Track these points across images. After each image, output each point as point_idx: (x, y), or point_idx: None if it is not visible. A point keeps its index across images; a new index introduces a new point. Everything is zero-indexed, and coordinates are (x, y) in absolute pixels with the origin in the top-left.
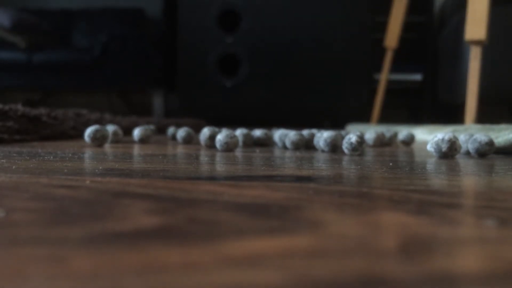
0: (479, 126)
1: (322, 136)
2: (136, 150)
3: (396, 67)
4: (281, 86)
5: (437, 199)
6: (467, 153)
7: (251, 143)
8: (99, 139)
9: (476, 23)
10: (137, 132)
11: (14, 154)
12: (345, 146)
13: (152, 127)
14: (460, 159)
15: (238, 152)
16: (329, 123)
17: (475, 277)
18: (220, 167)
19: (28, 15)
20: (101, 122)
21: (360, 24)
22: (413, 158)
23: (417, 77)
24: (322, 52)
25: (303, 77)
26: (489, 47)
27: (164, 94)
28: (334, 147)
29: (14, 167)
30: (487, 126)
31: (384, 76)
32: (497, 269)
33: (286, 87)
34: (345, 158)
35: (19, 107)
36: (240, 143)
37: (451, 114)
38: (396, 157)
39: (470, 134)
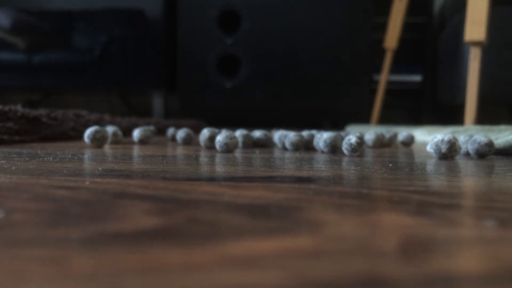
0: (479, 127)
1: (322, 137)
2: (136, 151)
3: (396, 68)
4: (280, 87)
5: (437, 200)
6: (467, 154)
7: (250, 144)
8: (98, 140)
9: (476, 24)
10: (136, 133)
11: (14, 155)
12: (344, 147)
13: (151, 128)
14: (460, 160)
15: (238, 153)
16: (328, 124)
17: (475, 278)
18: (220, 168)
19: (27, 16)
20: (100, 123)
21: (360, 25)
22: (412, 159)
23: (417, 78)
24: (322, 53)
25: (302, 78)
26: (488, 48)
27: (164, 94)
28: (334, 148)
29: (13, 168)
30: (487, 127)
31: (384, 77)
32: (497, 270)
33: (286, 88)
34: (345, 159)
35: (19, 108)
36: (240, 144)
37: (451, 115)
38: (395, 158)
39: (469, 135)
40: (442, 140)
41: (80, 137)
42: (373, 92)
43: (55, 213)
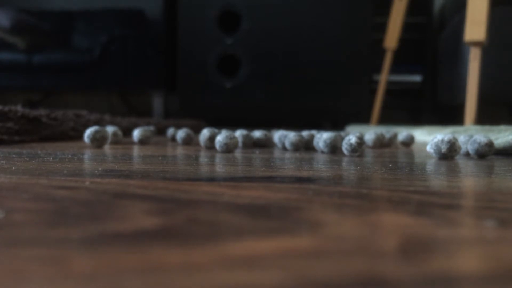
0: (479, 127)
1: (322, 137)
2: (136, 151)
3: (396, 68)
4: (280, 87)
5: (437, 200)
6: (467, 154)
7: (250, 144)
8: (98, 140)
9: (476, 24)
10: (136, 133)
11: (14, 155)
12: (344, 147)
13: (151, 128)
14: (460, 160)
15: (238, 153)
16: (328, 124)
17: (475, 278)
18: (220, 168)
19: (27, 16)
20: (100, 123)
21: (360, 25)
22: (412, 159)
23: (417, 78)
24: (322, 53)
25: (302, 78)
26: (488, 48)
27: (164, 95)
28: (334, 148)
29: (13, 168)
30: (487, 127)
31: (383, 77)
32: (497, 270)
33: (286, 88)
34: (345, 159)
35: (19, 108)
36: (240, 144)
37: (451, 115)
38: (395, 158)
39: (469, 135)
40: (442, 140)
41: (80, 137)
42: (373, 92)
43: (55, 213)
